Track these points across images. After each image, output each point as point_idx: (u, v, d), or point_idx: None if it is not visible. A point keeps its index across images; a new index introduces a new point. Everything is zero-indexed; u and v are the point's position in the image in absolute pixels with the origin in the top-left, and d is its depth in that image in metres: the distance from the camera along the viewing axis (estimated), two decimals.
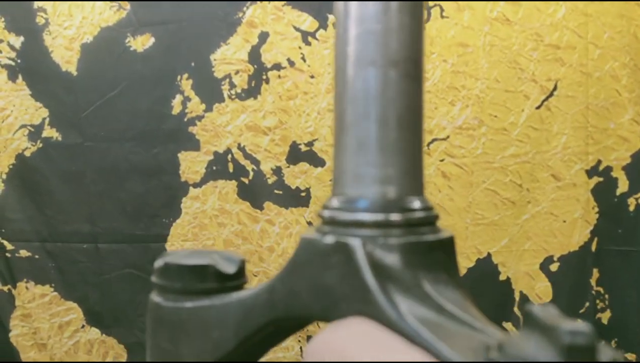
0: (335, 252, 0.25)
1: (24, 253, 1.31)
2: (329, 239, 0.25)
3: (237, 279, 0.30)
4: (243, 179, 1.21)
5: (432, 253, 0.26)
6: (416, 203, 0.27)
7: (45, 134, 1.25)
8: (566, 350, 0.17)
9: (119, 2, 1.18)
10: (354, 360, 0.21)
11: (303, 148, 1.17)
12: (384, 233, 0.25)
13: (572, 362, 0.17)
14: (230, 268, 0.30)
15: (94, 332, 1.32)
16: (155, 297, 0.30)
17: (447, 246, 0.27)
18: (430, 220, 0.27)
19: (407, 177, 0.27)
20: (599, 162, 1.11)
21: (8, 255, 1.31)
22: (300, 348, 1.22)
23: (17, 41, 1.22)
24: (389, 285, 0.24)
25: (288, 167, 1.18)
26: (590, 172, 1.12)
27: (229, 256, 0.31)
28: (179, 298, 0.29)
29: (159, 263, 0.30)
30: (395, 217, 0.26)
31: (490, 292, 1.14)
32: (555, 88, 1.10)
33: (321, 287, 0.26)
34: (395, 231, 0.26)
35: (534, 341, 0.19)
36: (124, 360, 1.32)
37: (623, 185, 1.11)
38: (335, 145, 0.28)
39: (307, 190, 1.18)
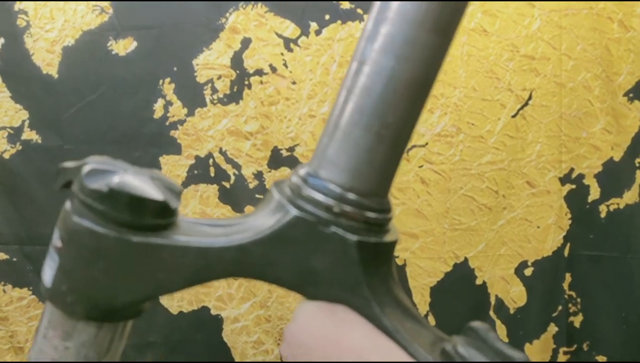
0: (331, 241, 0.26)
1: (1, 256, 1.29)
2: (326, 228, 0.26)
3: (177, 213, 0.29)
4: (224, 183, 1.22)
5: (389, 252, 0.28)
6: (386, 205, 0.29)
7: (25, 136, 1.24)
8: None
9: (102, 5, 1.18)
10: (358, 354, 0.23)
11: (284, 153, 1.19)
12: (366, 230, 0.27)
13: None
14: (175, 203, 0.28)
15: None
16: (86, 221, 0.27)
17: (395, 246, 0.29)
18: (390, 221, 0.29)
19: (388, 182, 0.29)
20: (572, 169, 1.14)
21: None
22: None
23: None
24: (373, 280, 0.26)
25: (269, 171, 1.20)
26: (564, 180, 1.14)
27: (169, 184, 0.28)
28: (123, 230, 0.27)
29: (98, 183, 0.27)
30: (373, 216, 0.27)
31: (466, 296, 1.16)
32: (530, 97, 1.12)
33: (305, 266, 0.27)
34: (373, 229, 0.27)
35: (485, 356, 0.23)
36: None
37: (595, 193, 1.14)
38: (330, 123, 0.29)
39: None
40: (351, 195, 0.27)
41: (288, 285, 0.28)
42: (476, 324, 0.23)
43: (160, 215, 0.28)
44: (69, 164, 0.30)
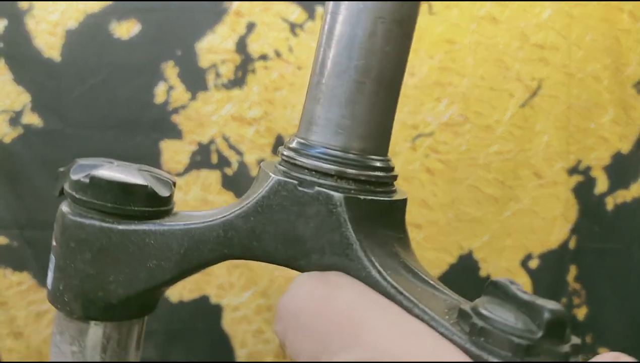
0: (314, 202, 0.24)
1: (1, 240, 1.29)
2: (309, 189, 0.25)
3: (169, 203, 0.28)
4: (226, 170, 1.21)
5: (394, 213, 0.26)
6: (381, 163, 0.27)
7: (26, 120, 1.23)
8: (545, 324, 0.19)
9: None
10: (362, 322, 0.21)
11: (288, 140, 1.18)
12: (355, 189, 0.25)
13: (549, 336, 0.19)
14: (165, 191, 0.28)
15: None
16: (72, 213, 0.27)
17: (404, 207, 0.27)
18: (392, 180, 0.27)
19: (379, 136, 0.27)
20: (580, 161, 1.13)
21: None
22: None
23: (0, 25, 1.20)
24: (365, 242, 0.24)
25: (273, 158, 1.19)
26: (571, 171, 1.13)
27: (159, 175, 0.28)
28: (107, 218, 0.27)
29: (80, 175, 0.27)
30: (363, 172, 0.25)
31: (471, 287, 1.15)
32: (539, 87, 1.11)
33: (291, 235, 0.25)
34: (363, 187, 0.25)
35: (509, 311, 0.20)
36: None
37: (602, 185, 1.13)
38: (310, 89, 0.27)
39: None
40: (335, 152, 0.25)
41: (279, 260, 0.26)
42: (498, 279, 0.22)
43: (145, 203, 0.27)
44: (63, 168, 0.29)
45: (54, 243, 0.29)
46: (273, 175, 0.26)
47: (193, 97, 1.19)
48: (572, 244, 1.15)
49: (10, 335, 1.33)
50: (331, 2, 0.26)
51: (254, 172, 1.19)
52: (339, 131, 0.26)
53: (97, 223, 0.27)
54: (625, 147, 1.11)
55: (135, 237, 0.27)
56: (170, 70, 1.18)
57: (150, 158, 1.21)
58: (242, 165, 1.20)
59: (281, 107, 1.16)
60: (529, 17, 1.09)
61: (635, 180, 1.12)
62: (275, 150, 1.18)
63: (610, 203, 1.13)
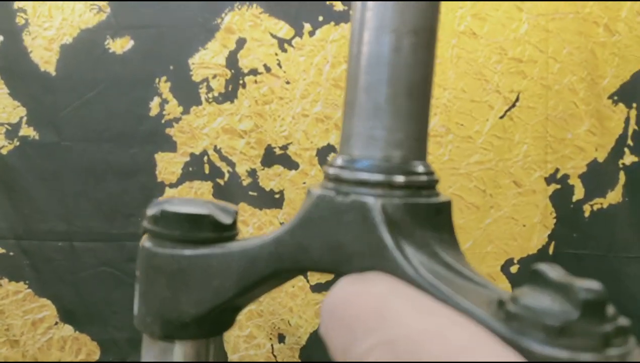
0: (351, 210, 0.26)
1: None
2: (346, 198, 0.26)
3: (232, 230, 0.31)
4: (219, 180, 1.24)
5: (436, 216, 0.27)
6: (421, 167, 0.28)
7: (22, 132, 1.26)
8: (581, 304, 0.19)
9: (100, 5, 1.20)
10: (389, 308, 0.22)
11: (278, 151, 1.21)
12: (392, 194, 0.26)
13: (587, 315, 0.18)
14: (227, 219, 0.31)
15: (68, 329, 1.33)
16: (149, 245, 0.31)
17: (447, 209, 0.28)
18: (432, 184, 0.28)
19: (415, 142, 0.28)
20: (557, 170, 1.17)
21: None
22: (272, 345, 1.25)
23: None
24: (402, 243, 0.25)
25: (263, 169, 1.22)
26: (549, 180, 1.17)
27: (223, 207, 0.32)
28: (177, 246, 0.30)
29: (154, 210, 0.30)
30: (401, 178, 0.27)
31: None
32: (517, 99, 1.15)
33: (334, 243, 0.27)
34: (401, 192, 0.27)
35: (547, 295, 0.20)
36: (97, 357, 1.33)
37: (579, 193, 1.17)
38: (346, 107, 0.28)
39: (281, 192, 1.22)
40: (369, 162, 0.27)
41: (326, 268, 0.28)
42: (539, 266, 0.21)
43: (208, 230, 0.30)
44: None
45: (137, 273, 0.32)
46: (314, 191, 0.28)
47: (186, 111, 1.22)
48: (551, 250, 1.19)
49: (6, 343, 1.35)
50: (354, 24, 0.28)
51: (245, 182, 1.23)
52: (372, 142, 0.28)
53: (168, 251, 0.30)
54: (601, 156, 1.15)
55: (200, 260, 0.30)
56: (164, 84, 1.22)
57: (146, 169, 1.24)
58: (234, 176, 1.23)
59: (271, 120, 1.20)
60: (507, 32, 1.13)
61: (611, 188, 1.16)
62: (264, 161, 1.22)
63: (587, 210, 1.17)
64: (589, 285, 0.19)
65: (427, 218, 0.27)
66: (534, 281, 0.21)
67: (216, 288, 0.30)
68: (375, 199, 0.26)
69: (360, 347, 0.21)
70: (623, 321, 0.19)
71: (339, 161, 0.28)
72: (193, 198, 0.33)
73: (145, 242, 0.31)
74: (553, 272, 0.20)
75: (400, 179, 0.27)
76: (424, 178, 0.27)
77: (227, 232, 0.31)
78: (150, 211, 0.31)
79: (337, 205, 0.26)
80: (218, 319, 0.31)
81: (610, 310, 0.19)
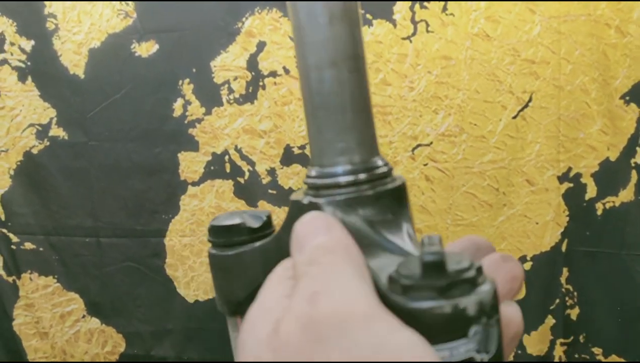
0: (310, 210, 0.33)
1: (28, 245, 1.36)
2: (305, 200, 0.34)
3: (263, 230, 0.39)
4: (239, 179, 1.28)
5: (377, 201, 0.33)
6: (375, 163, 0.34)
7: (52, 133, 1.31)
8: (422, 266, 0.24)
9: (126, 10, 1.25)
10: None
11: (296, 151, 1.25)
12: (344, 192, 0.33)
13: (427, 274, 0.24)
14: (256, 224, 0.39)
15: (94, 322, 1.38)
16: (211, 250, 0.40)
17: (389, 195, 0.34)
18: (383, 175, 0.34)
19: (360, 147, 0.34)
20: (570, 169, 1.18)
21: (13, 247, 1.36)
22: None
23: (28, 45, 1.28)
24: (345, 223, 0.32)
25: (282, 168, 1.26)
26: (562, 178, 1.19)
27: (254, 213, 0.41)
28: (224, 249, 0.39)
29: (209, 225, 0.40)
30: (344, 179, 0.33)
31: None
32: (530, 100, 1.17)
33: None
34: (344, 190, 0.33)
35: (414, 262, 0.26)
36: (122, 349, 1.38)
37: (591, 191, 1.19)
38: (307, 128, 0.35)
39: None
40: (316, 170, 0.34)
41: None
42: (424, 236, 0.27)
43: (241, 234, 0.39)
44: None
45: (212, 273, 0.42)
46: (291, 198, 0.35)
47: (208, 112, 1.26)
48: (564, 247, 1.21)
49: (36, 335, 1.40)
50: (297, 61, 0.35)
51: (264, 180, 1.26)
52: (317, 151, 0.35)
53: (219, 253, 0.39)
54: (613, 155, 1.17)
55: (237, 257, 0.39)
56: (187, 86, 1.26)
57: (169, 168, 1.28)
58: (254, 174, 1.27)
59: (290, 120, 1.24)
60: (520, 33, 1.16)
61: (623, 186, 1.17)
62: (283, 161, 1.25)
63: (599, 208, 1.19)
64: (430, 249, 0.24)
65: (369, 205, 0.33)
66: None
67: (251, 276, 0.38)
68: (325, 199, 0.33)
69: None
70: (465, 274, 0.24)
71: (312, 172, 0.35)
72: (235, 211, 0.41)
73: (210, 249, 0.40)
74: (427, 240, 0.26)
75: (343, 179, 0.33)
76: (363, 176, 0.34)
77: (258, 233, 0.39)
78: (208, 226, 0.40)
79: (301, 207, 0.33)
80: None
81: (457, 266, 0.24)
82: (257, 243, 0.38)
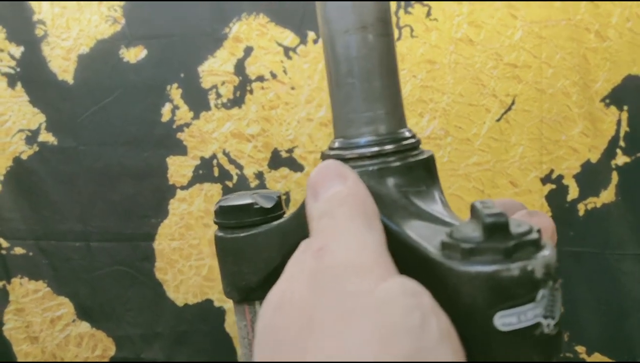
0: None
1: (18, 250, 1.37)
2: None
3: (276, 211, 0.38)
4: (227, 183, 1.29)
5: (409, 173, 0.32)
6: (403, 134, 0.33)
7: (41, 138, 1.32)
8: (485, 228, 0.23)
9: (115, 16, 1.26)
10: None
11: (284, 154, 1.26)
12: (373, 164, 0.31)
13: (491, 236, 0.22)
14: (268, 204, 0.37)
15: (84, 326, 1.38)
16: (218, 233, 0.38)
17: (421, 166, 0.33)
18: (412, 146, 0.33)
19: (389, 116, 0.33)
20: (552, 170, 1.20)
21: (3, 252, 1.36)
22: None
23: (17, 51, 1.29)
24: (381, 209, 0.29)
25: (269, 172, 1.27)
26: (544, 180, 1.21)
27: (266, 194, 0.38)
28: (235, 231, 0.37)
29: (216, 206, 0.38)
30: (372, 150, 0.32)
31: None
32: (513, 103, 1.19)
33: None
34: (375, 161, 0.31)
35: (471, 225, 0.24)
36: (112, 353, 1.38)
37: (573, 192, 1.20)
38: (330, 98, 0.33)
39: (287, 193, 1.26)
40: (340, 141, 0.32)
41: None
42: (475, 202, 0.25)
43: (253, 214, 0.37)
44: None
45: (218, 257, 0.40)
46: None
47: (196, 116, 1.27)
48: None
49: (26, 339, 1.40)
50: (321, 27, 0.33)
51: (253, 184, 1.27)
52: (341, 122, 0.33)
53: (229, 235, 0.37)
54: (594, 157, 1.19)
55: (251, 239, 0.37)
56: (175, 91, 1.27)
57: (158, 172, 1.29)
58: (242, 178, 1.28)
59: (277, 124, 1.25)
60: (502, 38, 1.18)
61: (604, 187, 1.19)
62: (271, 164, 1.27)
63: (582, 209, 1.21)
64: (491, 211, 0.23)
65: (401, 176, 0.32)
66: (472, 215, 0.26)
67: (265, 259, 0.36)
68: (356, 171, 0.30)
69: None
70: (529, 236, 0.23)
71: (335, 143, 0.33)
72: (243, 192, 0.40)
73: (216, 231, 0.38)
74: (481, 204, 0.25)
75: (371, 150, 0.32)
76: (390, 147, 0.32)
77: (270, 213, 0.38)
78: (214, 207, 0.38)
79: None
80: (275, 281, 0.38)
81: (519, 229, 0.23)
82: (274, 223, 0.36)
